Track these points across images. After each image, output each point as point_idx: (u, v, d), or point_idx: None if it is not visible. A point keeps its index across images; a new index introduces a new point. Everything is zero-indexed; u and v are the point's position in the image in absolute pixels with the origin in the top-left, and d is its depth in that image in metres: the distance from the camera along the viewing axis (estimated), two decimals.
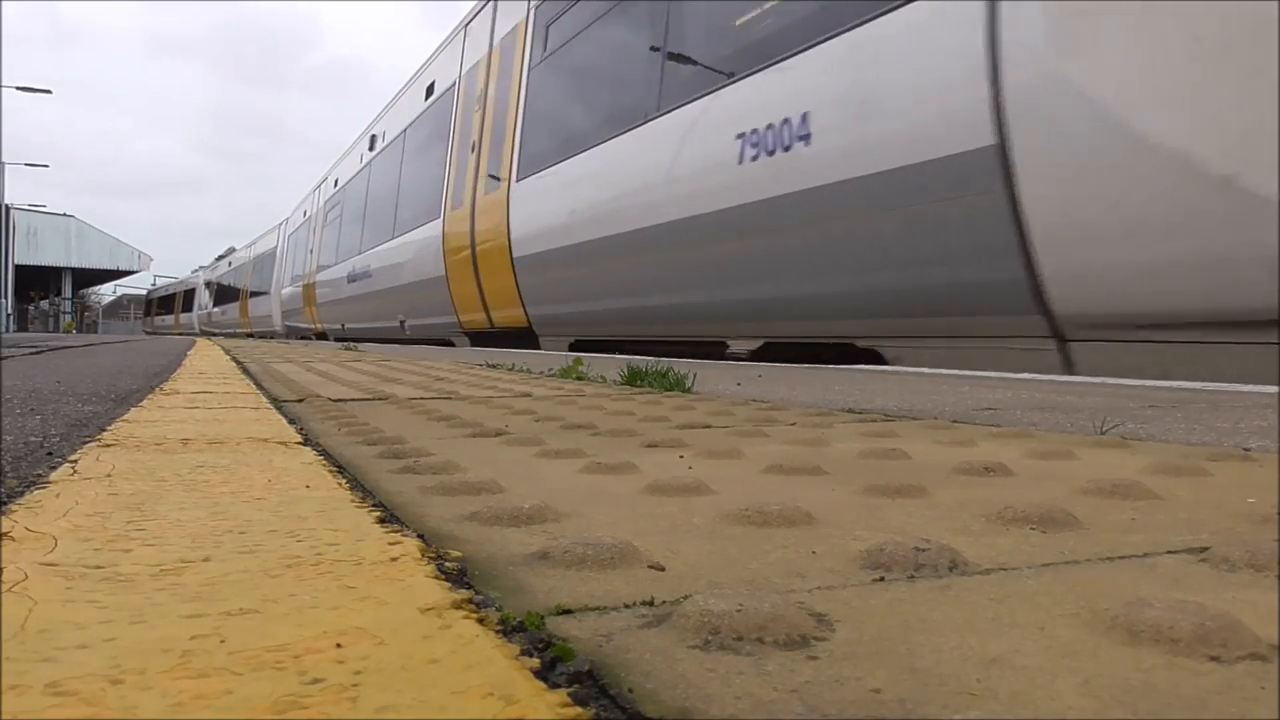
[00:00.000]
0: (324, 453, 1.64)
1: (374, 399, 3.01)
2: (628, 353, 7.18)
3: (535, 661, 0.58)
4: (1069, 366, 4.29)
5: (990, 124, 4.05)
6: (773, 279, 5.85)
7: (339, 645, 0.60)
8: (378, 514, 1.06)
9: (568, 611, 0.70)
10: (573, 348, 9.06)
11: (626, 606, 0.72)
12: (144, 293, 74.26)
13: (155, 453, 1.56)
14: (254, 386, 3.48)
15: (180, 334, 45.94)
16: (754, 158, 5.66)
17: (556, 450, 1.67)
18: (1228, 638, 0.61)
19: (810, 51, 5.27)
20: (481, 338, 11.09)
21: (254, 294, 30.96)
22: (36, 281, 50.98)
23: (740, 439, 1.90)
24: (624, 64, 7.98)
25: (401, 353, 9.10)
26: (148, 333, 57.52)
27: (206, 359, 6.47)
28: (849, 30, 4.94)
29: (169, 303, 61.14)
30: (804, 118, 5.22)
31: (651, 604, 0.73)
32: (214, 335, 30.39)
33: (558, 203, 8.44)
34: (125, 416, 2.21)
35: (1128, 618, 0.64)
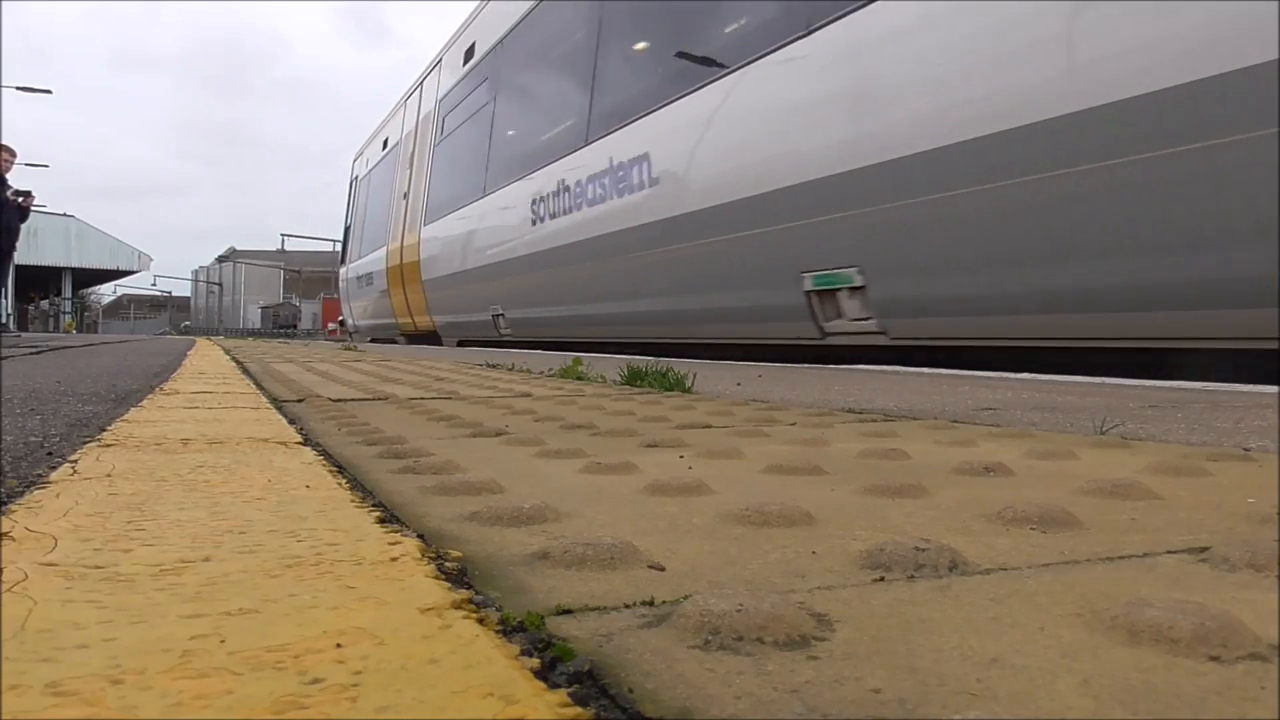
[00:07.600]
0: (324, 453, 1.63)
1: (374, 399, 3.01)
2: None
3: (535, 661, 0.58)
4: None
5: None
6: None
7: (339, 645, 0.60)
8: (378, 514, 1.06)
9: (568, 611, 0.70)
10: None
11: (626, 606, 0.72)
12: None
13: (155, 453, 1.56)
14: (254, 386, 3.48)
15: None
16: None
17: (557, 450, 1.67)
18: (1228, 638, 0.61)
19: None
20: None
21: None
22: (37, 281, 50.94)
23: (740, 439, 1.90)
24: None
25: (400, 353, 9.11)
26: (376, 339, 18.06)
27: (206, 359, 6.46)
28: None
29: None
30: None
31: (651, 604, 0.72)
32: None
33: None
34: (125, 416, 2.21)
35: (1128, 618, 0.64)
